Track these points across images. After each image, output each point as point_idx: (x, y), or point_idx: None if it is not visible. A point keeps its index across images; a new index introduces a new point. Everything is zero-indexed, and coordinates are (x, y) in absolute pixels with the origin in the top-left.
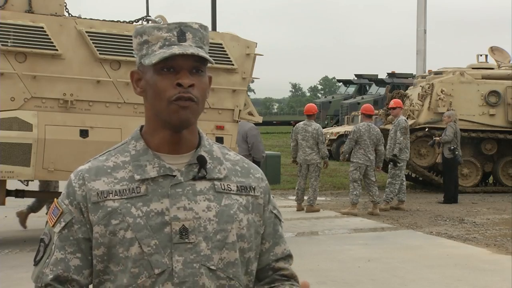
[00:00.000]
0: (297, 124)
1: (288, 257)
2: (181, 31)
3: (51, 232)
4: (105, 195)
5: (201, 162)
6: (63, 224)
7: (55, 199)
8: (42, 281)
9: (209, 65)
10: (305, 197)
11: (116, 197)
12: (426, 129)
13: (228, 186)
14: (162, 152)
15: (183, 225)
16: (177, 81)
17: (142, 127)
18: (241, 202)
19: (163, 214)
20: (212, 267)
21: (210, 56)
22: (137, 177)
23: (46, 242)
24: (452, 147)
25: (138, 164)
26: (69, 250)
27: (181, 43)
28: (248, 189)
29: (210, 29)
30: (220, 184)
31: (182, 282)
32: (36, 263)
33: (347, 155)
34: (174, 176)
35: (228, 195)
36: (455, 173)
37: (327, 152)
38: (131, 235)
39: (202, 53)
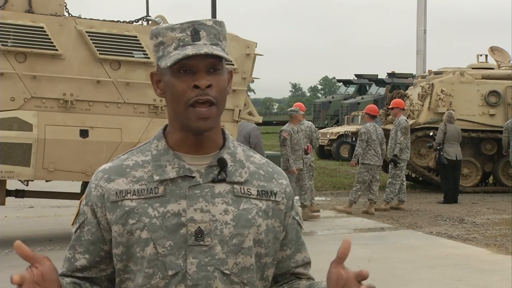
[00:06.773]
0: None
1: (307, 264)
2: (195, 29)
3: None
4: (123, 195)
5: (221, 164)
6: (77, 225)
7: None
8: None
9: None
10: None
11: (134, 196)
12: None
13: (248, 190)
14: (183, 152)
15: (199, 227)
16: (193, 83)
17: (166, 126)
18: (260, 207)
19: (180, 215)
20: (226, 271)
21: None
22: (156, 177)
23: None
24: (438, 148)
25: (158, 164)
26: (79, 250)
27: (195, 43)
28: (269, 194)
29: None
30: (240, 188)
31: (195, 284)
32: None
33: (358, 158)
34: (193, 177)
35: (248, 199)
36: (452, 174)
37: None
38: (146, 235)
39: (216, 51)
